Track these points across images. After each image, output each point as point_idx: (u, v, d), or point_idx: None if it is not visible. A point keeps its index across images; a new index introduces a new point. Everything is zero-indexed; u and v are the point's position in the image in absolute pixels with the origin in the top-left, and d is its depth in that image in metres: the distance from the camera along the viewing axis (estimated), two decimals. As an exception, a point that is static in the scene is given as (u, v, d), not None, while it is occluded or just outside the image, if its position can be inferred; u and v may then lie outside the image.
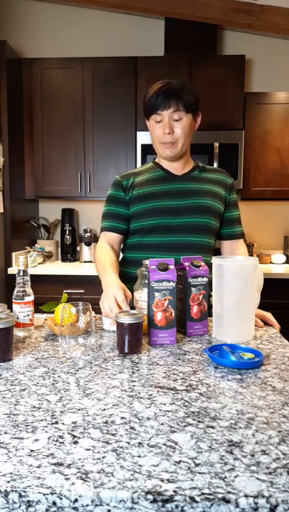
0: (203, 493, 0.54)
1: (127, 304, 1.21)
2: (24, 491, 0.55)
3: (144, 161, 3.03)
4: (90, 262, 3.33)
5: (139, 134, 3.03)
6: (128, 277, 1.54)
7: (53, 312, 1.38)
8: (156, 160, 1.60)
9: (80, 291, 2.93)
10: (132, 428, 0.71)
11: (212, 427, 0.71)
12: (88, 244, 3.31)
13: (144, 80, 3.04)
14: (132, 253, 1.56)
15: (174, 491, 0.55)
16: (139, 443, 0.66)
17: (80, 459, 0.62)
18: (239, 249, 1.63)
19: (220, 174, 1.60)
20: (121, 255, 1.63)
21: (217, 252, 1.55)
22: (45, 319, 1.28)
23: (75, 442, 0.66)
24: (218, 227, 1.57)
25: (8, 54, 2.95)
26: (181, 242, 1.48)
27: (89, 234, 3.29)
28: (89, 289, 2.94)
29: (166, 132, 1.43)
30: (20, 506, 0.55)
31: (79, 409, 0.78)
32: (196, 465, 0.61)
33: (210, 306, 1.42)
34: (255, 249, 3.36)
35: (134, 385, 0.89)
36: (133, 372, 0.96)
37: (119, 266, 1.61)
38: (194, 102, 1.46)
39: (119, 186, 1.55)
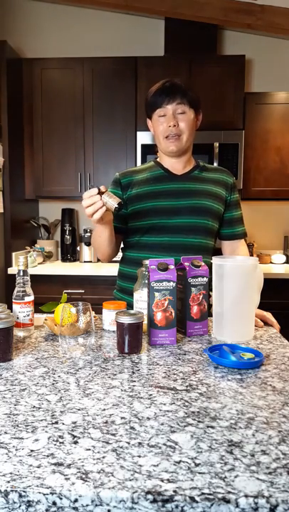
0: (203, 493, 0.54)
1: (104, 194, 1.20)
2: (24, 491, 0.55)
3: (144, 161, 3.03)
4: (90, 262, 3.33)
5: (139, 134, 3.03)
6: (128, 276, 1.55)
7: (53, 312, 1.38)
8: (158, 159, 1.59)
9: (80, 291, 2.93)
10: (132, 428, 0.71)
11: (212, 427, 0.71)
12: (88, 244, 3.31)
13: (144, 80, 3.04)
14: (131, 252, 1.56)
15: (174, 491, 0.55)
16: (139, 443, 0.66)
17: (80, 459, 0.62)
18: (240, 250, 1.62)
19: (221, 174, 1.59)
20: (121, 254, 1.63)
21: (218, 252, 1.55)
22: (45, 319, 1.28)
23: (75, 442, 0.66)
24: (217, 228, 1.56)
25: (8, 54, 2.96)
26: (178, 242, 1.48)
27: (89, 234, 3.29)
28: (89, 289, 2.94)
29: (171, 125, 1.43)
30: (20, 506, 0.55)
31: (79, 409, 0.78)
32: (196, 465, 0.61)
33: (210, 306, 1.42)
34: (255, 249, 3.36)
35: (134, 385, 0.89)
36: (133, 372, 0.96)
37: (119, 264, 1.63)
38: (197, 99, 1.48)
39: (117, 184, 1.54)
